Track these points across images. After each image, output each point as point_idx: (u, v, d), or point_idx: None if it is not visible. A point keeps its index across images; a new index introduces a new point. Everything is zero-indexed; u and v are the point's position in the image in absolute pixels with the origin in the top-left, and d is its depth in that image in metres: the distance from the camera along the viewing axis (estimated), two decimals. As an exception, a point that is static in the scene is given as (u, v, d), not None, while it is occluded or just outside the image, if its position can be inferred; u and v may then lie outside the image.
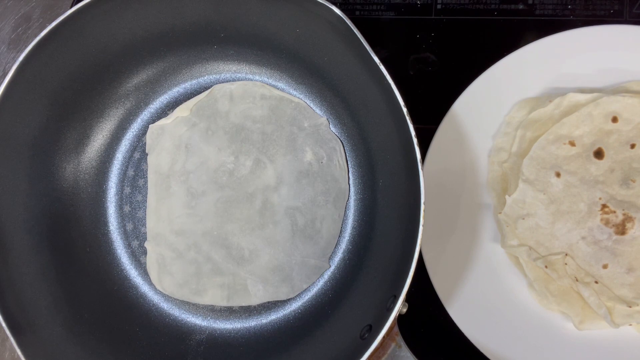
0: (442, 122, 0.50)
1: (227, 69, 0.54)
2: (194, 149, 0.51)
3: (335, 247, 0.51)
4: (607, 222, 0.45)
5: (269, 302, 0.50)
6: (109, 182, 0.53)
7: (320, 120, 0.51)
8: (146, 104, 0.54)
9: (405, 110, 0.39)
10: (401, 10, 0.57)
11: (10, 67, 0.43)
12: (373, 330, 0.39)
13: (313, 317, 0.49)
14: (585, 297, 0.44)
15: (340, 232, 0.51)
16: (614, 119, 0.46)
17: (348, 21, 0.40)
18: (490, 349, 0.46)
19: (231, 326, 0.51)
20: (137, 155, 0.53)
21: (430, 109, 0.51)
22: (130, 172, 0.53)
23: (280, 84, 0.53)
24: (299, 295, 0.50)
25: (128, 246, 0.52)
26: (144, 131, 0.54)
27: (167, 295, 0.51)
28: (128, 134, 0.54)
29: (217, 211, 0.51)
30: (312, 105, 0.53)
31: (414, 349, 0.42)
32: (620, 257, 0.45)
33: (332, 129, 0.52)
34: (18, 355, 0.40)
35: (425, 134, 0.49)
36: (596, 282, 0.45)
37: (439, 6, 0.56)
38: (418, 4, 0.57)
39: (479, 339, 0.47)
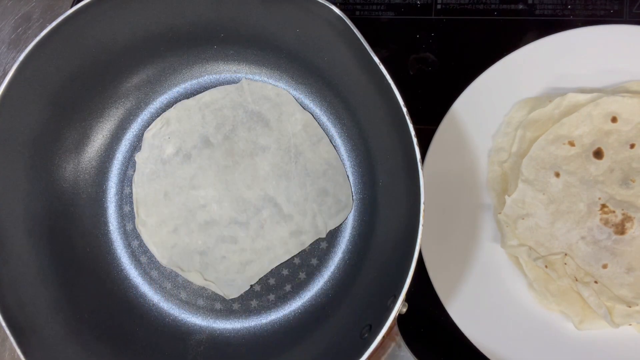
0: (442, 122, 0.50)
1: (227, 69, 0.54)
2: (193, 139, 0.52)
3: (335, 247, 0.51)
4: (606, 222, 0.45)
5: (268, 302, 0.50)
6: (109, 182, 0.53)
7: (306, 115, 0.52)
8: (146, 104, 0.54)
9: (405, 110, 0.39)
10: (401, 10, 0.57)
11: (10, 67, 0.43)
12: (373, 330, 0.39)
13: (313, 317, 0.49)
14: (585, 297, 0.44)
15: (340, 232, 0.51)
16: (614, 119, 0.46)
17: (348, 21, 0.40)
18: (490, 349, 0.46)
19: (231, 326, 0.51)
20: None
21: (430, 109, 0.51)
22: (130, 172, 0.53)
23: (281, 84, 0.53)
24: (298, 295, 0.50)
25: (128, 246, 0.52)
26: (144, 131, 0.54)
27: (167, 295, 0.51)
28: (128, 134, 0.54)
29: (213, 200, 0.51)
30: (312, 104, 0.53)
31: (414, 349, 0.42)
32: (620, 257, 0.45)
33: (332, 129, 0.52)
34: (18, 355, 0.40)
35: (425, 134, 0.49)
36: (596, 282, 0.45)
37: (439, 6, 0.56)
38: (418, 4, 0.57)
39: (479, 339, 0.47)
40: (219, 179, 0.51)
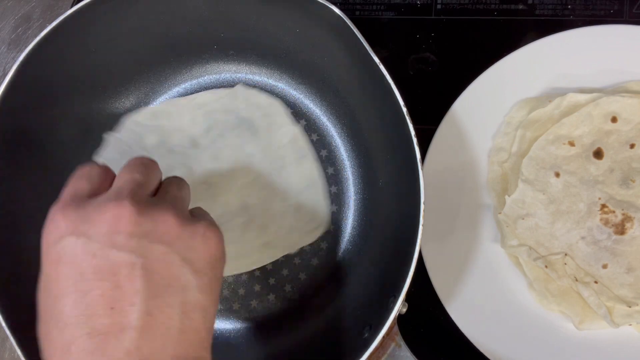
0: (442, 122, 0.50)
1: (227, 69, 0.54)
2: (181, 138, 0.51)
3: (335, 247, 0.51)
4: (606, 222, 0.46)
5: (268, 302, 0.50)
6: (109, 182, 0.53)
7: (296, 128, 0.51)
8: (146, 104, 0.54)
9: (405, 110, 0.39)
10: (401, 10, 0.57)
11: (10, 67, 0.43)
12: (373, 330, 0.39)
13: (313, 317, 0.49)
14: (585, 297, 0.44)
15: (340, 232, 0.51)
16: (614, 119, 0.46)
17: (348, 21, 0.40)
18: (490, 349, 0.46)
19: (231, 326, 0.51)
20: (137, 155, 0.53)
21: (430, 109, 0.51)
22: (130, 172, 0.53)
23: (280, 84, 0.53)
24: (299, 295, 0.50)
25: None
26: (143, 131, 0.54)
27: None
28: (128, 134, 0.54)
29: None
30: (312, 104, 0.53)
31: (413, 349, 0.42)
32: (620, 257, 0.45)
33: (332, 129, 0.52)
34: (18, 355, 0.40)
35: (425, 134, 0.49)
36: (596, 282, 0.45)
37: (439, 6, 0.56)
38: (418, 4, 0.57)
39: (479, 339, 0.47)
40: (200, 180, 0.50)
